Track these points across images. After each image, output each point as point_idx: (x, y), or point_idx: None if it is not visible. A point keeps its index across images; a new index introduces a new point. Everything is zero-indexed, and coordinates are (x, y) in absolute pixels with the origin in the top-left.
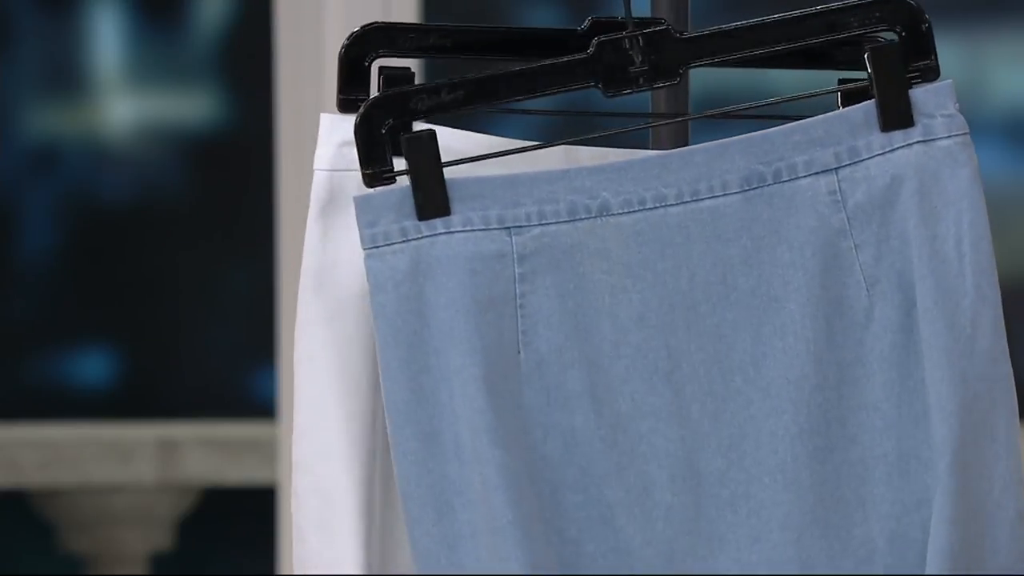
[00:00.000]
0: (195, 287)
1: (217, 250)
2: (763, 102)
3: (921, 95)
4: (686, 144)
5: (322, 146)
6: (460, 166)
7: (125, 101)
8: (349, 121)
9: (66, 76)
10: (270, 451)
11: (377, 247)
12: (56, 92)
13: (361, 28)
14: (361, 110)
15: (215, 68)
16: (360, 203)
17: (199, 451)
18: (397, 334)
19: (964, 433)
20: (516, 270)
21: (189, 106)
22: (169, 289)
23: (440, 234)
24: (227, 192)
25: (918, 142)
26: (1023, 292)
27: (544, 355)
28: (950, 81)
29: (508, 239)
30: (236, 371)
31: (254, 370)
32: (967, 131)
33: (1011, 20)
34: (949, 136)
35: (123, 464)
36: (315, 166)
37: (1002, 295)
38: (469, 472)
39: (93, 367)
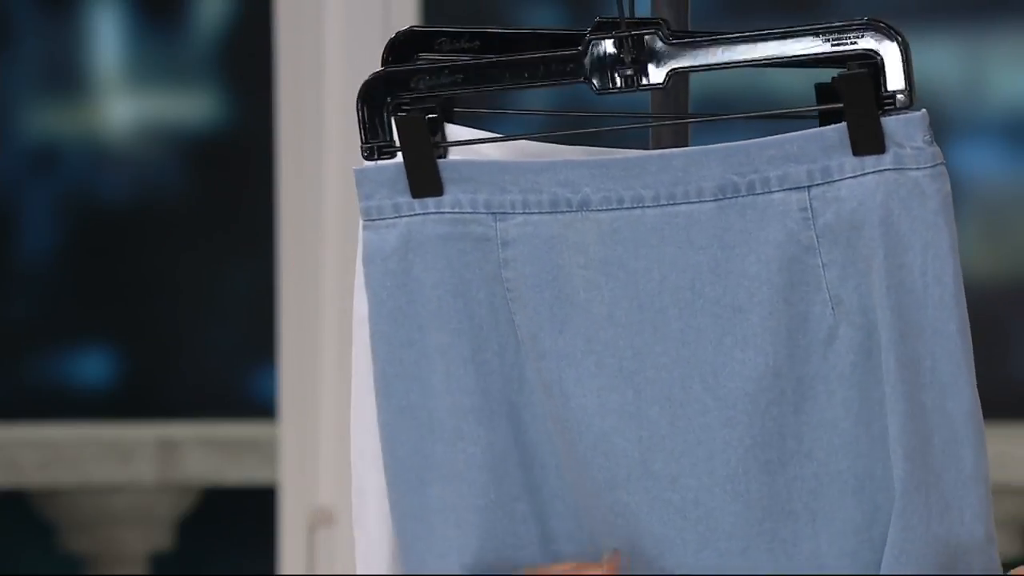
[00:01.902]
0: (195, 287)
1: (217, 250)
2: (756, 113)
3: (893, 124)
4: (686, 146)
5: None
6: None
7: (125, 101)
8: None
9: (66, 76)
10: (270, 451)
11: (372, 220)
12: (56, 92)
13: (400, 33)
14: (363, 85)
15: (215, 68)
16: (358, 175)
17: (199, 451)
18: (381, 307)
19: (926, 467)
20: (500, 255)
21: (189, 106)
22: (169, 289)
23: (431, 213)
24: (227, 192)
25: (889, 169)
26: (1023, 292)
27: (525, 341)
28: (922, 113)
29: (493, 224)
30: (236, 371)
31: (254, 370)
32: (939, 162)
33: (1011, 21)
34: (918, 168)
35: (123, 464)
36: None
37: (1002, 296)
38: (446, 449)
39: (93, 367)
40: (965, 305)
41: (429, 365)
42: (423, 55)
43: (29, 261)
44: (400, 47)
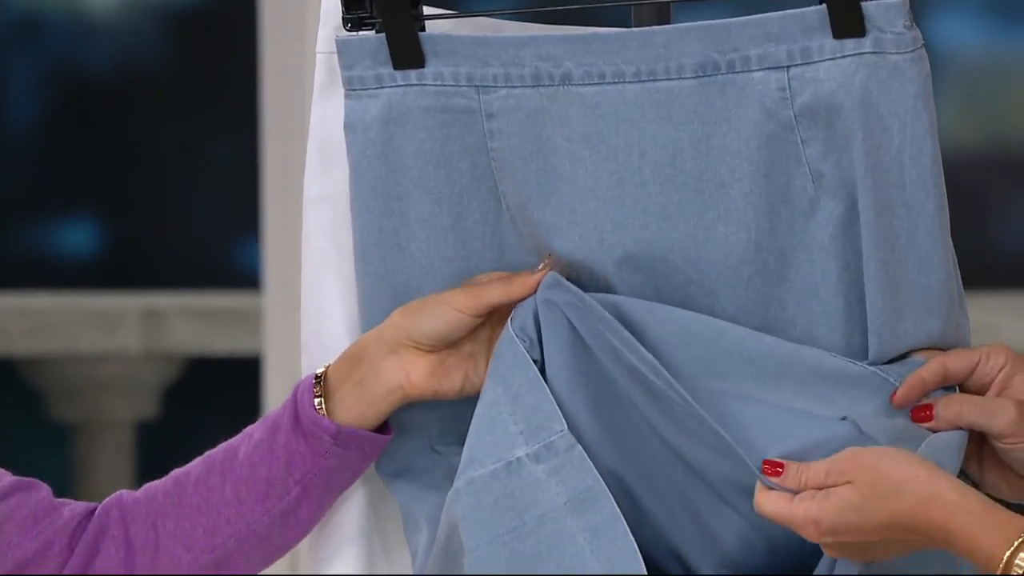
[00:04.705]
0: (180, 158)
1: (201, 121)
2: None
3: (873, 9)
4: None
5: (322, 29)
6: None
7: None
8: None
9: None
10: (255, 321)
11: (354, 90)
12: None
13: None
14: None
15: None
16: (340, 45)
17: (184, 321)
18: (361, 176)
19: (896, 340)
20: (485, 126)
21: None
22: (154, 160)
23: (413, 85)
24: (211, 63)
25: (868, 53)
26: (1001, 163)
27: (512, 209)
28: None
29: (477, 97)
30: (221, 242)
31: (238, 241)
32: (918, 46)
33: None
34: (899, 52)
35: (109, 333)
36: (316, 49)
37: (982, 166)
38: None
39: (78, 237)
40: (943, 184)
41: (408, 233)
42: None
43: (13, 132)
44: None
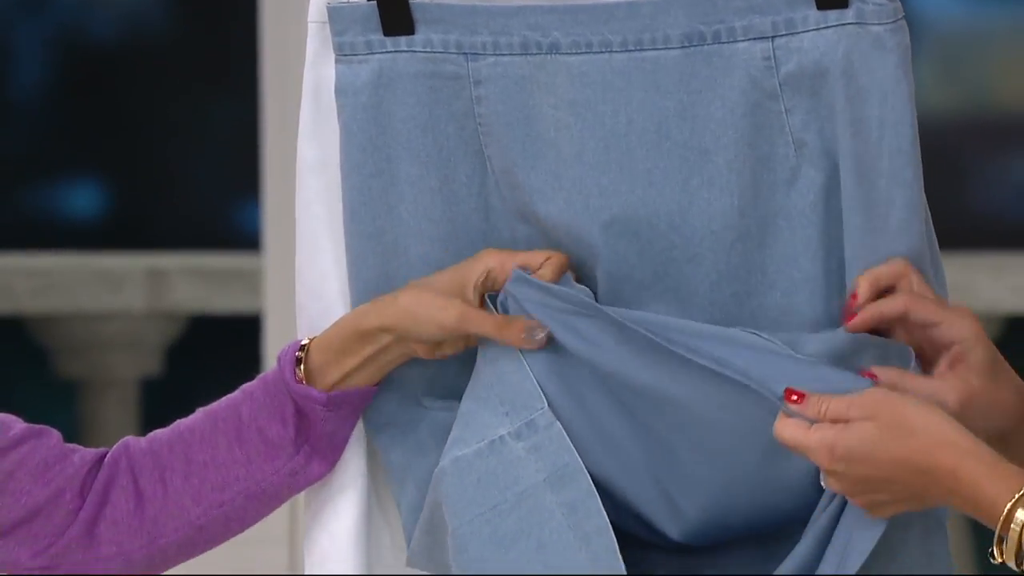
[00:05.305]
0: (182, 122)
1: (203, 86)
2: None
3: None
4: None
5: (314, 0)
6: None
7: None
8: None
9: None
10: (255, 281)
11: (345, 55)
12: None
13: None
14: None
15: None
16: (331, 12)
17: (186, 281)
18: (352, 138)
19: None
20: (473, 92)
21: None
22: (157, 124)
23: (403, 51)
24: (214, 28)
25: (851, 23)
26: (979, 126)
27: (497, 173)
28: None
29: (465, 64)
30: (222, 204)
31: (239, 203)
32: (899, 17)
33: None
34: (880, 23)
35: (113, 293)
36: (308, 19)
37: (959, 130)
38: (410, 273)
39: (84, 199)
40: (919, 152)
41: (397, 194)
42: None
43: (20, 97)
44: None
